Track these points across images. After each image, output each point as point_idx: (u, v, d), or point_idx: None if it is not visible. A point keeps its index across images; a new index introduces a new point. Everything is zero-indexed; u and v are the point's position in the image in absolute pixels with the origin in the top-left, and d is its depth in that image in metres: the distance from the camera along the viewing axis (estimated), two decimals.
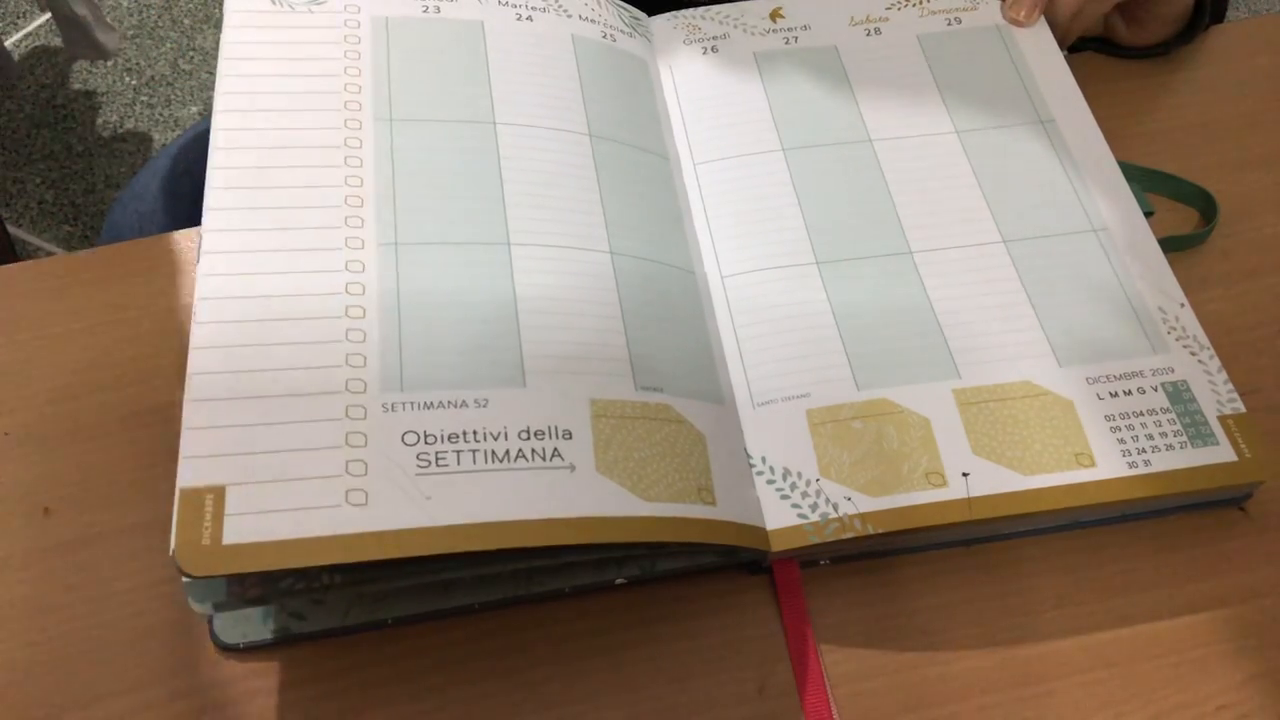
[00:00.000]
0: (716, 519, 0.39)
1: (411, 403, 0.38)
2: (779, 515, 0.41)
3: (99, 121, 1.52)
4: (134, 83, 1.56)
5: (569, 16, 0.52)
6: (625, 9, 0.55)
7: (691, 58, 0.54)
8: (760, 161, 0.50)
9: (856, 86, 0.53)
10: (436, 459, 0.37)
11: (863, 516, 0.41)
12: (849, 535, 0.40)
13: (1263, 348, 0.49)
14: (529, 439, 0.38)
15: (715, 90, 0.53)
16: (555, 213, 0.45)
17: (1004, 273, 0.47)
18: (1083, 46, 0.61)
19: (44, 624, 0.41)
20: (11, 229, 1.38)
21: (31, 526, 0.43)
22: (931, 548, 0.43)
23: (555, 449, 0.38)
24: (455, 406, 0.38)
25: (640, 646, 0.41)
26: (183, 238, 0.51)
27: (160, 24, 1.64)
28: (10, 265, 0.50)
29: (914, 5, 0.56)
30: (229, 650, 0.40)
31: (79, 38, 1.38)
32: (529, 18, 0.51)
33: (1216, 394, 0.44)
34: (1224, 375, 0.45)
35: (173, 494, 0.35)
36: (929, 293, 0.46)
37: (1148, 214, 0.50)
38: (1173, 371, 0.45)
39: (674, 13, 0.56)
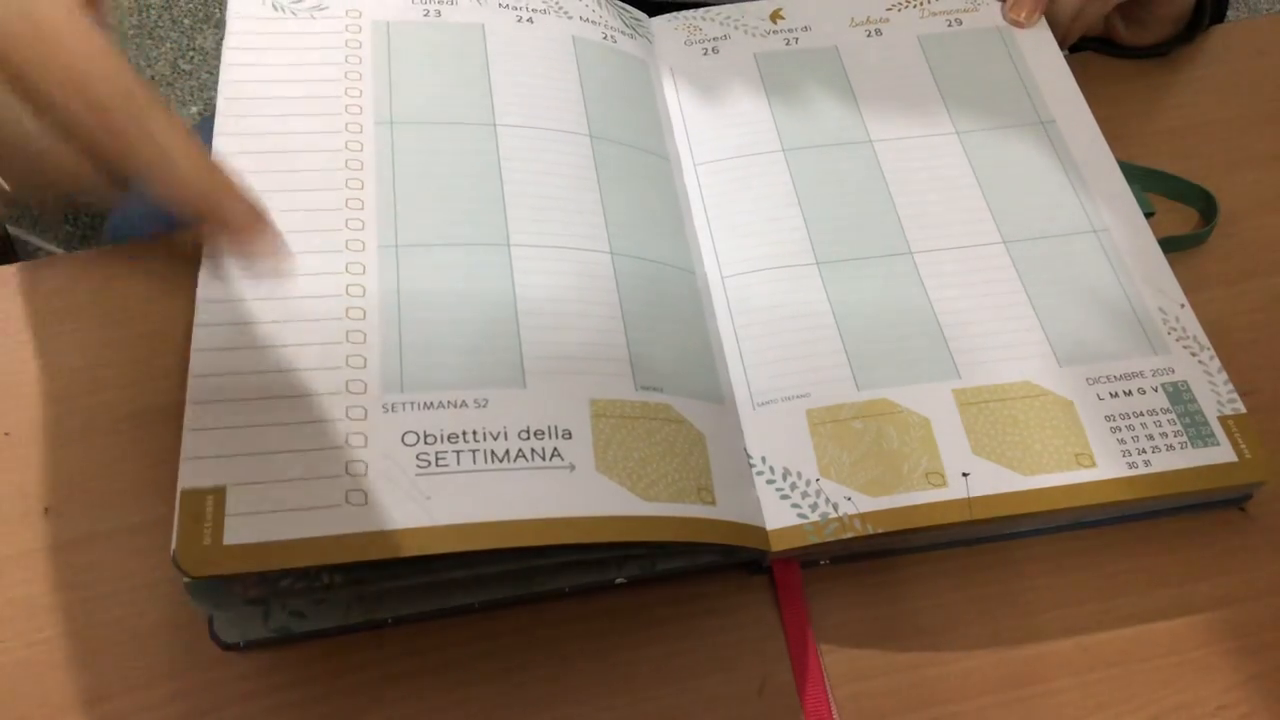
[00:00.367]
0: (716, 519, 0.39)
1: (411, 403, 0.38)
2: (779, 515, 0.41)
3: None
4: None
5: (569, 18, 0.52)
6: (626, 10, 0.55)
7: (692, 59, 0.54)
8: (760, 162, 0.50)
9: (857, 87, 0.53)
10: (436, 459, 0.37)
11: (863, 516, 0.41)
12: (849, 535, 0.40)
13: (1263, 348, 0.49)
14: (529, 439, 0.38)
15: (715, 91, 0.53)
16: (555, 213, 0.45)
17: (1004, 273, 0.47)
18: (1083, 46, 0.61)
19: (44, 624, 0.41)
20: (11, 229, 1.38)
21: (31, 526, 0.43)
22: (931, 548, 0.43)
23: (555, 449, 0.38)
24: (455, 407, 0.38)
25: (640, 646, 0.41)
26: (183, 238, 0.51)
27: (160, 24, 1.64)
28: (10, 265, 0.50)
29: (914, 6, 0.56)
30: (229, 650, 0.40)
31: None
32: (529, 20, 0.51)
33: (1216, 394, 0.44)
34: (1224, 375, 0.45)
35: (173, 494, 0.35)
36: (929, 293, 0.46)
37: (1148, 214, 0.50)
38: (1173, 372, 0.45)
39: (674, 14, 0.56)
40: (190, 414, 0.36)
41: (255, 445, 0.36)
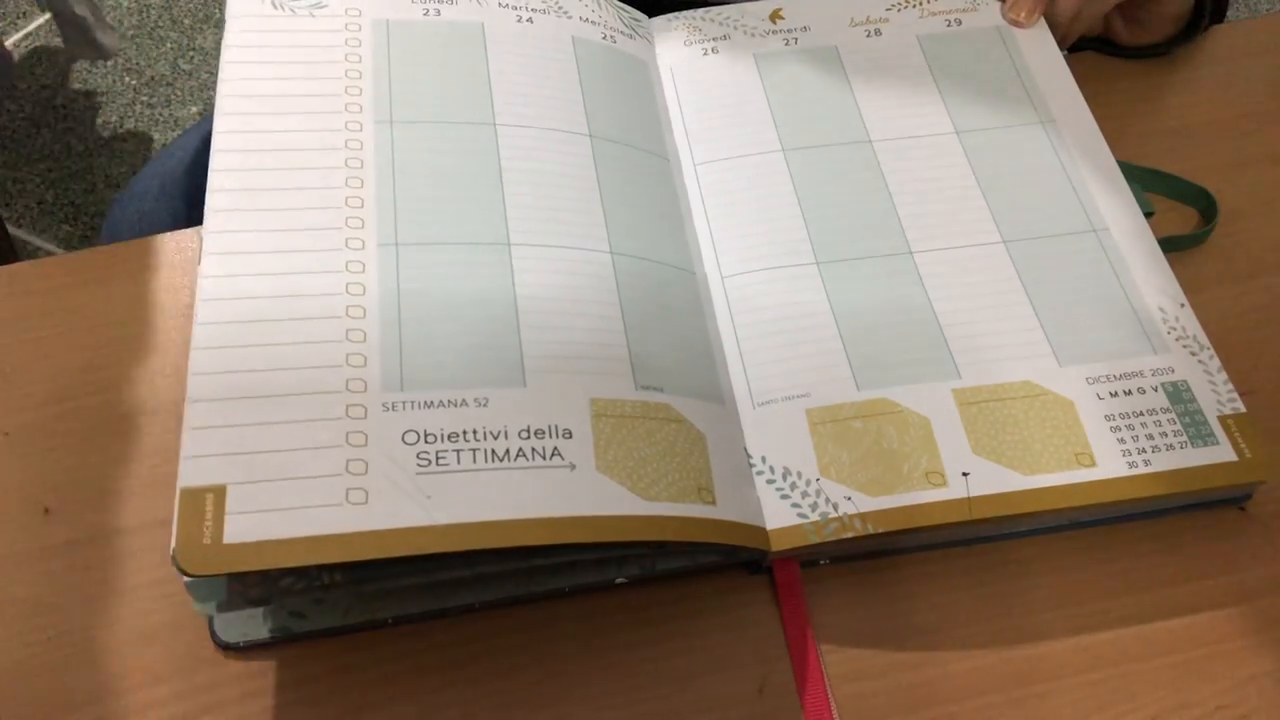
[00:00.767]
0: (716, 518, 0.39)
1: (412, 402, 0.38)
2: (779, 515, 0.41)
3: (99, 121, 1.52)
4: (134, 83, 1.56)
5: (569, 18, 0.52)
6: (625, 10, 0.55)
7: (692, 59, 0.54)
8: (760, 162, 0.50)
9: (856, 87, 0.53)
10: (437, 458, 0.37)
11: (863, 516, 0.41)
12: (849, 535, 0.40)
13: (1263, 348, 0.49)
14: (529, 438, 0.38)
15: (715, 91, 0.53)
16: (555, 213, 0.45)
17: (1004, 273, 0.47)
18: (1083, 46, 0.61)
19: (44, 624, 0.41)
20: (11, 229, 1.38)
21: (31, 526, 0.43)
22: (931, 548, 0.43)
23: (555, 448, 0.38)
24: (455, 406, 0.38)
25: (640, 646, 0.41)
26: (184, 238, 0.51)
27: (160, 24, 1.64)
28: (10, 265, 0.50)
29: (914, 6, 0.56)
30: (229, 650, 0.40)
31: (79, 38, 1.38)
32: (529, 19, 0.51)
33: (1216, 394, 0.44)
34: (1224, 375, 0.45)
35: (173, 494, 0.35)
36: (929, 293, 0.46)
37: (1148, 214, 0.50)
38: (1173, 371, 0.45)
39: (674, 14, 0.56)
40: (190, 412, 0.36)
41: (255, 444, 0.36)
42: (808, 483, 0.41)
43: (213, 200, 0.42)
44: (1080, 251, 0.48)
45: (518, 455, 0.38)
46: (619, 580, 0.41)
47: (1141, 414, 0.43)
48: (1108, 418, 0.43)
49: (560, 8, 0.52)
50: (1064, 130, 0.52)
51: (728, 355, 0.45)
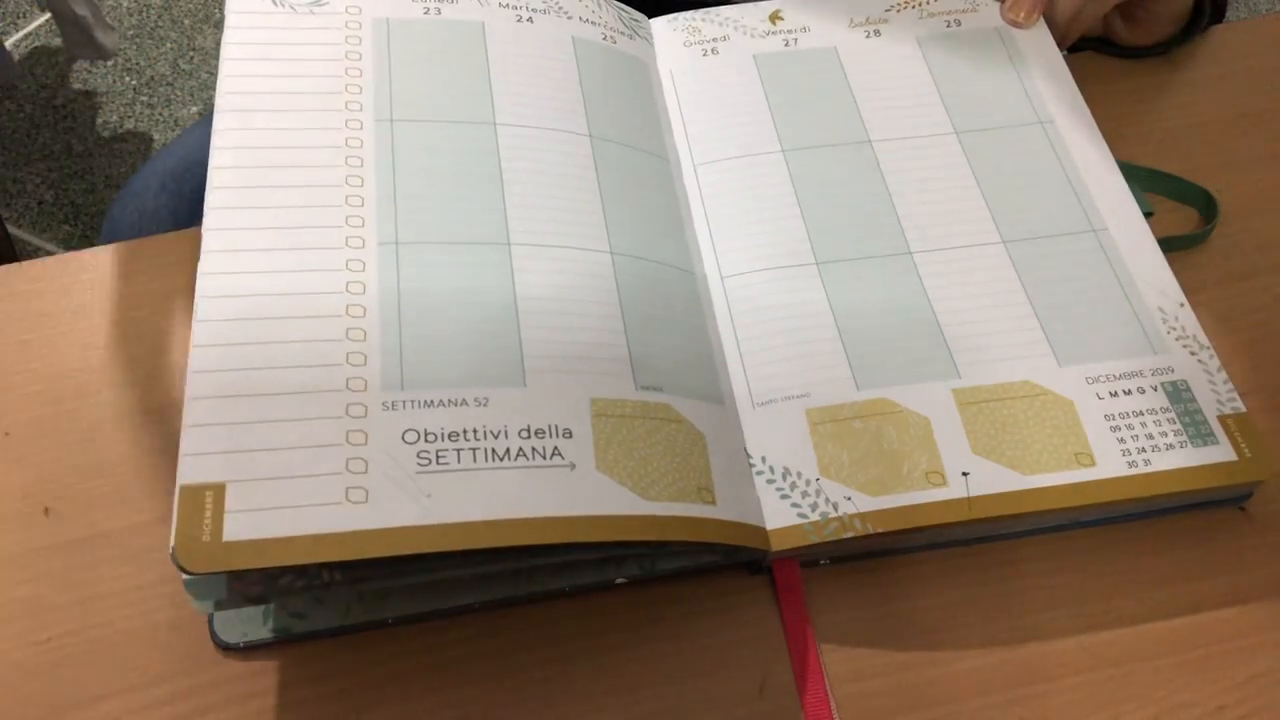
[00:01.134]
0: (716, 518, 0.39)
1: (412, 401, 0.38)
2: (779, 515, 0.41)
3: (99, 121, 1.52)
4: (134, 83, 1.56)
5: (569, 18, 0.52)
6: (625, 11, 0.55)
7: (691, 60, 0.54)
8: (760, 162, 0.50)
9: (856, 88, 0.53)
10: (437, 457, 0.37)
11: (862, 516, 0.41)
12: (849, 535, 0.40)
13: (1262, 347, 0.49)
14: (529, 438, 0.38)
15: (715, 92, 0.53)
16: (555, 213, 0.45)
17: (1004, 273, 0.47)
18: (1083, 46, 0.61)
19: (44, 624, 0.41)
20: (11, 229, 1.38)
21: (31, 526, 0.43)
22: (931, 548, 0.43)
23: (555, 448, 0.38)
24: (455, 405, 0.38)
25: (641, 646, 0.41)
26: (183, 236, 0.51)
27: (160, 24, 1.64)
28: (10, 265, 0.50)
29: (913, 7, 0.56)
30: (229, 650, 0.40)
31: (79, 38, 1.38)
32: (529, 19, 0.51)
33: (1216, 394, 0.44)
34: (1224, 375, 0.45)
35: (173, 493, 0.35)
36: (929, 293, 0.46)
37: (1148, 214, 0.50)
38: (1172, 371, 0.45)
39: (674, 15, 0.56)
40: (190, 410, 0.36)
41: (255, 442, 0.36)
42: (808, 483, 0.41)
43: (212, 198, 0.42)
44: (1080, 251, 0.48)
45: (518, 455, 0.38)
46: (619, 580, 0.41)
47: (1141, 414, 0.43)
48: (1107, 417, 0.43)
49: (560, 8, 0.52)
50: (1064, 130, 0.52)
51: (727, 355, 0.45)
